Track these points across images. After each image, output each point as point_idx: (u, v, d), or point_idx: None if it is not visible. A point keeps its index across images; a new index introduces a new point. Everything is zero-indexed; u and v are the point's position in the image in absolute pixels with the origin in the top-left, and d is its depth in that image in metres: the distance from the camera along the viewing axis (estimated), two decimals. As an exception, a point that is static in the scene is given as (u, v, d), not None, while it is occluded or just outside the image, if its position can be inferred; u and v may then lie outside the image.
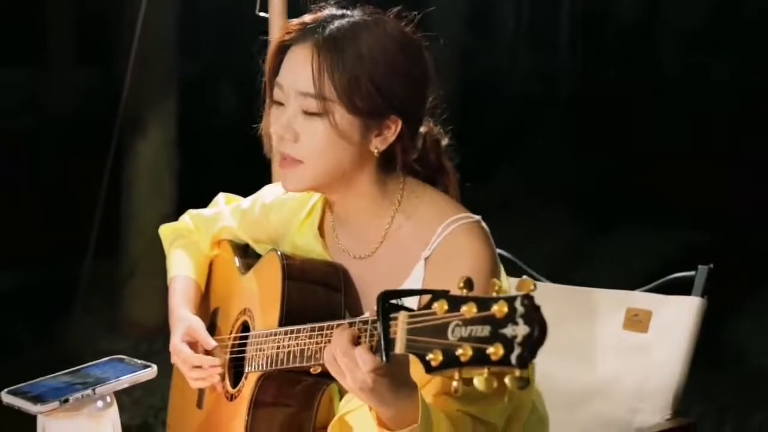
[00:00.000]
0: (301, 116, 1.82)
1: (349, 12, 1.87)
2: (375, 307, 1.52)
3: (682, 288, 2.35)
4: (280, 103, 1.85)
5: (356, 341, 1.58)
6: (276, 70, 1.87)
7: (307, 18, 1.87)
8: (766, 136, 7.42)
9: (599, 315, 2.40)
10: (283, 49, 1.86)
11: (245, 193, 2.21)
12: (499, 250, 1.92)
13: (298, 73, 1.82)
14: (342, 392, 1.91)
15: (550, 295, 2.44)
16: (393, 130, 1.83)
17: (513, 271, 2.37)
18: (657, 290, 2.40)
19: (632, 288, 2.44)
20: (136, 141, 4.95)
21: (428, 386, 1.73)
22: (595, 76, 9.50)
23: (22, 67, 7.71)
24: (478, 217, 1.87)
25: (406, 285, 1.85)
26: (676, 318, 2.33)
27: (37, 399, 1.82)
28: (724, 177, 6.99)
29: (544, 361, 1.87)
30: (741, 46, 9.40)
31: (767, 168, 6.78)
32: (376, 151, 1.84)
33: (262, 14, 2.67)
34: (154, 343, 4.78)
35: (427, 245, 1.84)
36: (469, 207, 1.90)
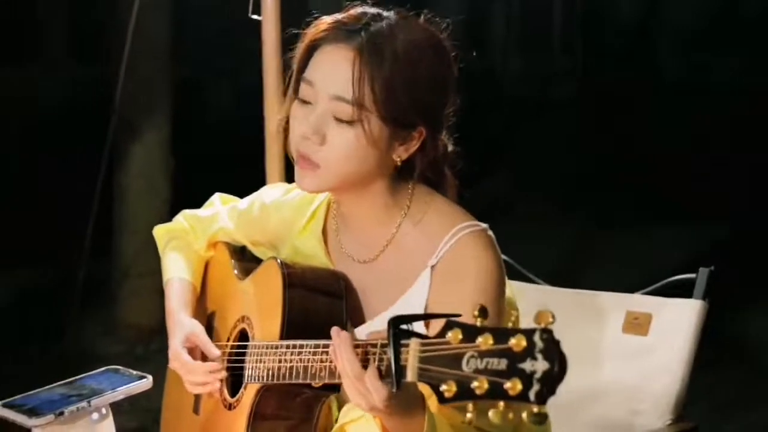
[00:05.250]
0: (332, 121, 1.78)
1: (384, 12, 1.83)
2: (382, 327, 1.51)
3: (683, 290, 2.33)
4: (307, 102, 1.81)
5: (365, 364, 1.57)
6: (304, 67, 1.82)
7: (341, 17, 1.82)
8: (766, 136, 7.42)
9: (598, 318, 2.38)
10: (315, 46, 1.82)
11: (239, 192, 2.19)
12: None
13: (335, 76, 1.77)
14: (340, 402, 1.89)
15: (548, 298, 2.43)
16: (417, 139, 1.82)
17: (511, 274, 2.35)
18: (657, 293, 2.38)
19: (632, 290, 2.42)
20: (130, 142, 4.91)
21: (434, 397, 1.72)
22: (595, 76, 9.50)
23: (15, 67, 7.70)
24: (485, 225, 1.85)
25: (411, 293, 1.83)
26: (676, 321, 2.31)
27: (32, 412, 1.81)
28: (724, 177, 6.98)
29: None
30: (741, 46, 9.40)
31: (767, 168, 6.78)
32: (399, 159, 1.82)
33: (254, 17, 2.64)
34: (150, 344, 4.75)
35: (433, 253, 1.82)
36: (467, 208, 1.88)
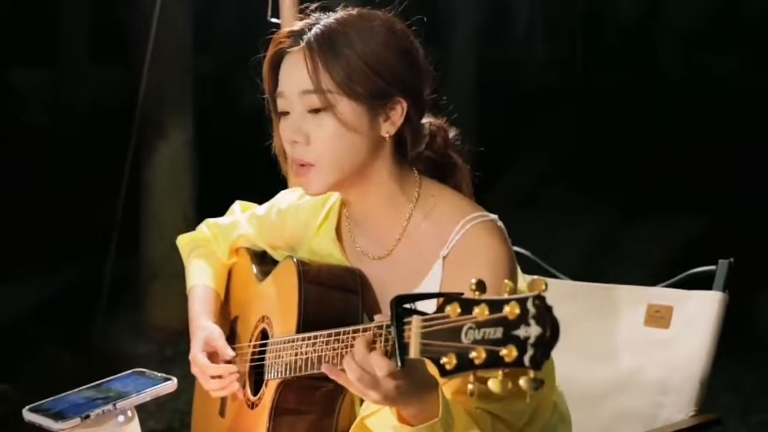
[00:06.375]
0: (308, 116, 1.83)
1: (332, 12, 1.90)
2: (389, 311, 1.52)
3: (703, 282, 2.33)
4: (286, 113, 1.87)
5: (371, 347, 1.58)
6: (275, 84, 1.89)
7: (295, 26, 1.89)
8: (766, 136, 7.43)
9: (620, 311, 2.39)
10: (278, 60, 1.89)
11: (261, 191, 2.21)
12: (517, 248, 1.91)
13: (295, 76, 1.84)
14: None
15: (570, 293, 2.44)
16: (399, 111, 1.85)
17: (533, 268, 2.36)
18: (677, 285, 2.39)
19: (651, 284, 2.43)
20: (155, 141, 4.95)
21: (448, 384, 1.70)
22: (595, 76, 9.49)
23: (40, 67, 7.73)
24: (494, 216, 1.87)
25: (425, 284, 1.85)
26: (697, 313, 2.32)
27: (58, 416, 1.81)
28: (724, 177, 7.00)
29: (566, 359, 1.87)
30: (741, 46, 9.38)
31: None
32: (387, 135, 1.85)
33: (273, 20, 2.66)
34: (178, 346, 4.78)
35: (444, 244, 1.84)
36: (488, 202, 1.90)
